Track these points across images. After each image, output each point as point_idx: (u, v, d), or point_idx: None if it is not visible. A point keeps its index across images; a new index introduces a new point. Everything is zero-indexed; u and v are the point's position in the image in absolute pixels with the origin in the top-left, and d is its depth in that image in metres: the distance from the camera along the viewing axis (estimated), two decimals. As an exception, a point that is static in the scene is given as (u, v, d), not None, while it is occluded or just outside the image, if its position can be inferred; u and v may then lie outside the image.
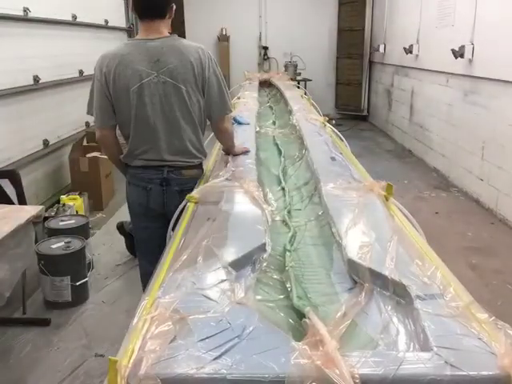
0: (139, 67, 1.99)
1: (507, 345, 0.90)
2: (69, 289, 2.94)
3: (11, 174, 3.34)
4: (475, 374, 0.85)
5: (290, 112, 3.90)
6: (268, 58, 9.88)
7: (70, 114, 5.15)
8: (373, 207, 1.66)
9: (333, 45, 9.90)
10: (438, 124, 6.09)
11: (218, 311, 1.03)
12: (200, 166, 2.26)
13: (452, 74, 5.56)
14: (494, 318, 1.00)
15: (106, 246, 3.88)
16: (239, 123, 3.18)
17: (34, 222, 2.61)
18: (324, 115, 3.86)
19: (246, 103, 4.32)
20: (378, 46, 8.56)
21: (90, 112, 2.13)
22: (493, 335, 0.94)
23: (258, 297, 1.26)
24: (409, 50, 6.82)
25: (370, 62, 9.48)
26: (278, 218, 1.85)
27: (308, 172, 2.36)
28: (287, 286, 1.31)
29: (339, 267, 1.39)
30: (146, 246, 2.27)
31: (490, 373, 0.86)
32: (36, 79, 4.36)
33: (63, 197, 4.19)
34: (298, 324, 1.13)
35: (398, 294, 1.16)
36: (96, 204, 4.67)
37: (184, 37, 9.28)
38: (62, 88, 5.02)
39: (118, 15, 7.00)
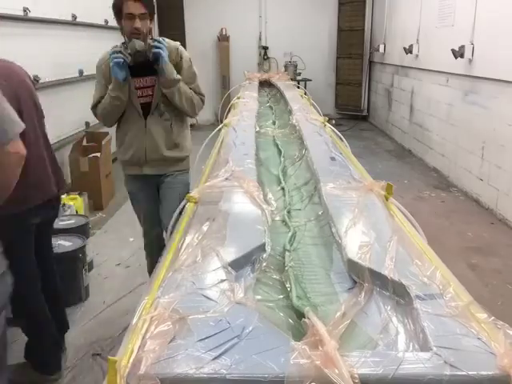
0: None
1: (507, 345, 0.90)
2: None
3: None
4: (474, 374, 0.85)
5: (290, 112, 3.90)
6: (268, 57, 9.88)
7: (70, 114, 5.15)
8: (373, 207, 1.66)
9: (333, 45, 9.91)
10: (438, 124, 6.09)
11: (217, 311, 1.03)
12: None
13: (452, 73, 5.57)
14: (493, 317, 1.00)
15: (106, 246, 3.89)
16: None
17: (34, 221, 2.60)
18: (324, 115, 3.86)
19: (245, 103, 4.32)
20: (378, 45, 8.57)
21: None
22: (492, 335, 0.94)
23: (258, 297, 1.26)
24: (409, 50, 6.82)
25: (370, 62, 9.48)
26: (277, 218, 1.85)
27: (308, 172, 2.36)
28: (287, 285, 1.31)
29: (339, 267, 1.39)
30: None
31: (490, 373, 0.86)
32: (36, 79, 4.35)
33: (63, 197, 4.18)
34: (298, 324, 1.13)
35: (398, 293, 1.16)
36: (96, 204, 4.67)
37: (184, 37, 9.29)
38: (61, 88, 5.03)
39: (118, 15, 6.99)
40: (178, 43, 2.53)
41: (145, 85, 2.48)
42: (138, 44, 2.29)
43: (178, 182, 2.64)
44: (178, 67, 2.46)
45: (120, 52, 2.33)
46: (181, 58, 2.48)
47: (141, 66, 2.39)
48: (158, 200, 2.69)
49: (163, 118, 2.51)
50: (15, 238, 2.15)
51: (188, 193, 1.90)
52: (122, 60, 2.32)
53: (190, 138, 2.70)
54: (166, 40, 2.46)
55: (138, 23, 2.28)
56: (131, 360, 0.88)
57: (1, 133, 1.67)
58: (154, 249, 2.77)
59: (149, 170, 2.60)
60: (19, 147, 1.92)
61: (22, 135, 1.99)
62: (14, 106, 1.97)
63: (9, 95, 1.99)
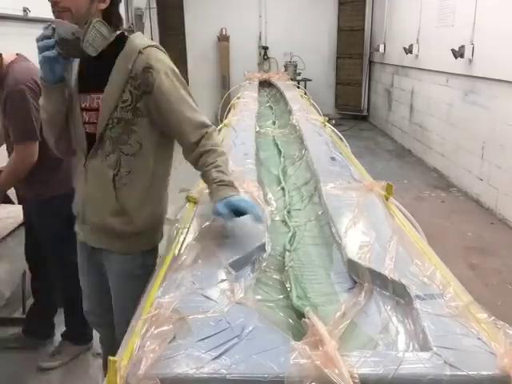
0: None
1: (507, 345, 0.90)
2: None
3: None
4: (475, 374, 0.85)
5: (290, 112, 3.90)
6: (268, 57, 9.88)
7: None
8: (373, 207, 1.66)
9: (333, 45, 9.91)
10: (438, 124, 6.10)
11: (217, 311, 1.03)
12: None
13: (452, 73, 5.57)
14: (493, 317, 1.00)
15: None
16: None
17: (34, 221, 2.61)
18: (324, 115, 3.86)
19: (245, 103, 4.32)
20: (378, 45, 8.57)
21: None
22: (492, 335, 0.94)
23: (258, 297, 1.26)
24: (409, 50, 6.82)
25: (370, 62, 9.48)
26: (277, 218, 1.84)
27: (308, 172, 2.36)
28: (287, 285, 1.31)
29: (339, 267, 1.39)
30: None
31: (490, 373, 0.86)
32: (36, 79, 4.36)
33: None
34: (298, 324, 1.13)
35: (398, 293, 1.16)
36: (96, 204, 4.66)
37: (184, 37, 9.30)
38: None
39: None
40: (147, 43, 1.51)
41: (91, 106, 1.54)
42: (60, 27, 1.40)
43: (120, 273, 1.66)
44: (136, 83, 1.46)
45: (49, 37, 1.41)
46: (145, 68, 1.45)
47: (93, 70, 1.53)
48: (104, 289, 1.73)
49: (107, 162, 1.54)
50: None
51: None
52: (53, 51, 1.41)
53: (159, 207, 1.66)
54: (135, 36, 1.53)
55: None
56: (131, 360, 0.88)
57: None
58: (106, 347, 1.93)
59: (84, 235, 1.71)
60: (29, 151, 2.07)
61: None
62: None
63: None
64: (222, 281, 1.17)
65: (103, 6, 1.48)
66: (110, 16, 1.51)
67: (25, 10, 4.22)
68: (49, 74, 1.48)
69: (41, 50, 1.43)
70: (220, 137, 3.02)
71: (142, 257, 1.63)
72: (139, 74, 1.46)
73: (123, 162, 1.53)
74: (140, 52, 1.47)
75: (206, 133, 1.55)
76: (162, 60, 1.50)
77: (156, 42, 1.57)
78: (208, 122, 1.58)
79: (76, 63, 1.58)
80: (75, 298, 2.49)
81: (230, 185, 1.48)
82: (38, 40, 1.43)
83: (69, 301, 2.53)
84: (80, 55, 1.49)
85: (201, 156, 1.54)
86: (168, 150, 1.66)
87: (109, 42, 1.49)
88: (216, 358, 0.88)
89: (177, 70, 1.55)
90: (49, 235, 2.40)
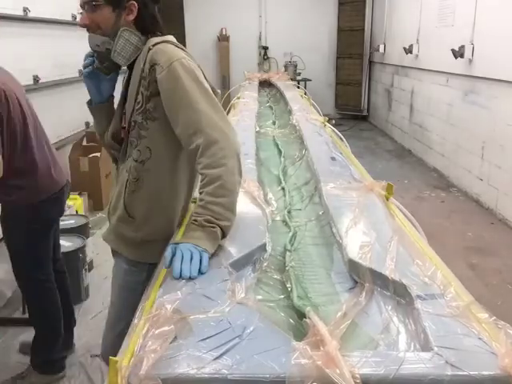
0: None
1: (508, 345, 0.90)
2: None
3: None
4: (476, 374, 0.85)
5: (290, 112, 3.90)
6: (268, 57, 9.89)
7: (70, 114, 5.15)
8: (373, 207, 1.66)
9: (333, 45, 9.92)
10: (438, 124, 6.10)
11: (218, 311, 1.03)
12: None
13: (452, 73, 5.57)
14: (494, 317, 1.00)
15: (106, 246, 3.88)
16: None
17: (34, 221, 2.60)
18: (324, 115, 3.86)
19: (245, 103, 4.32)
20: (378, 46, 8.58)
21: None
22: (493, 335, 0.94)
23: (259, 297, 1.26)
24: (409, 50, 6.83)
25: (370, 62, 9.49)
26: (278, 218, 1.84)
27: (308, 172, 2.36)
28: (287, 285, 1.31)
29: (340, 267, 1.39)
30: None
31: (491, 373, 0.86)
32: (36, 79, 4.36)
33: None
34: (299, 324, 1.13)
35: (399, 293, 1.16)
36: (96, 204, 4.67)
37: (184, 37, 9.30)
38: (61, 88, 5.03)
39: (117, 15, 6.99)
40: (161, 39, 1.46)
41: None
42: (93, 40, 1.47)
43: (122, 284, 1.66)
44: (146, 82, 1.43)
45: (92, 56, 1.51)
46: (151, 66, 1.40)
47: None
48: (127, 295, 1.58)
49: (126, 166, 1.56)
50: (35, 234, 2.22)
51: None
52: (92, 68, 1.51)
53: (175, 217, 1.58)
54: (159, 37, 1.47)
55: (82, 18, 1.46)
56: (132, 360, 0.88)
57: None
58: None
59: (105, 235, 1.73)
60: None
61: (26, 138, 2.05)
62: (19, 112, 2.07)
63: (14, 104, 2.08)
64: (223, 281, 1.17)
65: (131, 17, 1.47)
66: (143, 24, 1.50)
67: (25, 10, 4.22)
68: (95, 94, 1.58)
69: (83, 72, 1.53)
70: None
71: (147, 271, 1.49)
72: (147, 73, 1.42)
73: (132, 169, 1.52)
74: (150, 49, 1.43)
75: (206, 144, 1.33)
76: (167, 52, 1.40)
77: (172, 38, 1.52)
78: (222, 125, 1.37)
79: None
80: (51, 322, 2.34)
81: (200, 225, 1.30)
82: (83, 66, 1.53)
83: (42, 325, 2.35)
84: (117, 67, 1.53)
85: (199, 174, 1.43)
86: (187, 159, 1.50)
87: (141, 50, 1.48)
88: (217, 358, 0.88)
89: (187, 62, 1.40)
90: (13, 248, 2.25)
